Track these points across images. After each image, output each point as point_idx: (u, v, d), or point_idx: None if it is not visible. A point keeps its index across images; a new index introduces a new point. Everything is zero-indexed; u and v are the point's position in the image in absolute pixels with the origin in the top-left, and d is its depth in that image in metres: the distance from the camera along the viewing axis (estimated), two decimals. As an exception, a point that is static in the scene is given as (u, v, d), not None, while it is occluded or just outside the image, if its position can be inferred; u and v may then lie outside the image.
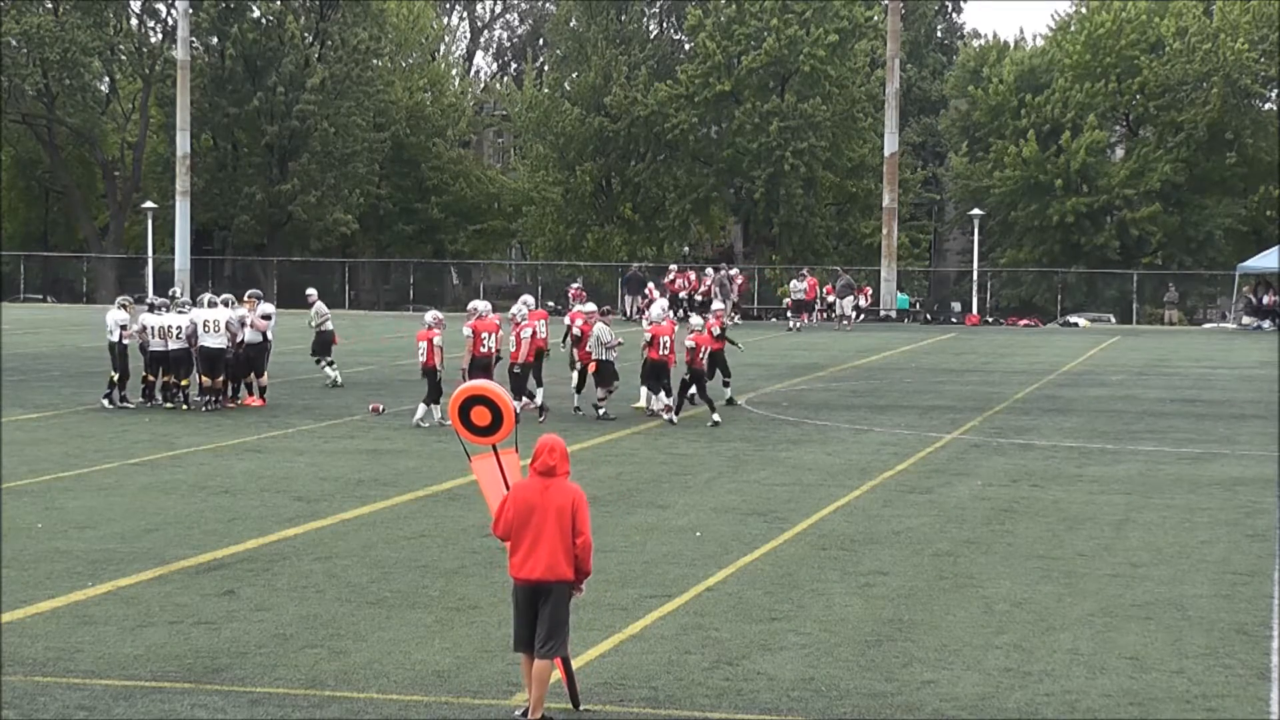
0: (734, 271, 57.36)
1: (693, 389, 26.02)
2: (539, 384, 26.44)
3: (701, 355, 25.92)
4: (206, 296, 28.16)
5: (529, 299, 27.63)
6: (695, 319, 27.19)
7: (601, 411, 25.99)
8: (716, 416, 25.59)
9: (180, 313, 27.40)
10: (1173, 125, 68.84)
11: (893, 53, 62.35)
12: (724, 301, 54.08)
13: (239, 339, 27.28)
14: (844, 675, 11.18)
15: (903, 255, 68.47)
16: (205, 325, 26.58)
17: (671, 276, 56.73)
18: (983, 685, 11.02)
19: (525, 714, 10.01)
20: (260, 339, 28.02)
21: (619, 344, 26.54)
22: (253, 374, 28.04)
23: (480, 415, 10.52)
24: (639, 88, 70.81)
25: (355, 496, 18.44)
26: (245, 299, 28.74)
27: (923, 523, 17.16)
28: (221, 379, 26.93)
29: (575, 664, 10.58)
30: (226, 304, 27.56)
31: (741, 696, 10.69)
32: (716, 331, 27.14)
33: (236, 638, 11.97)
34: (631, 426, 25.15)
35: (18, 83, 70.83)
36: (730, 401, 27.80)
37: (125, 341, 27.14)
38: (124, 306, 27.94)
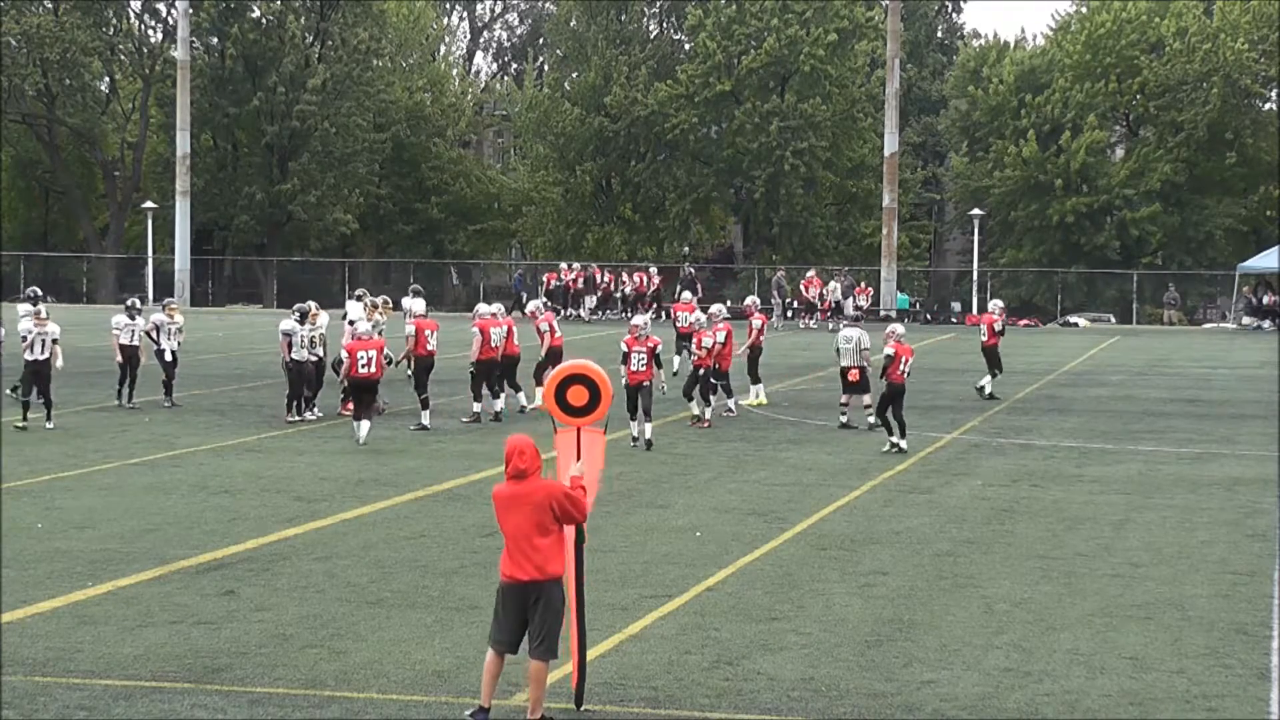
0: (810, 274, 57.28)
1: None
2: (510, 390, 26.38)
3: (902, 368, 22.78)
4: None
5: (497, 307, 27.02)
6: (897, 328, 23.57)
7: (873, 421, 24.85)
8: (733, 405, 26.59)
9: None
10: (1173, 125, 68.83)
11: (893, 53, 62.34)
12: (780, 305, 54.59)
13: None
14: (844, 675, 11.18)
15: (903, 255, 68.48)
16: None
17: (561, 275, 56.72)
18: (983, 685, 11.01)
19: (487, 708, 9.98)
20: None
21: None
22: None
23: (578, 395, 10.60)
24: (639, 88, 70.83)
25: (355, 496, 18.44)
26: (380, 305, 28.03)
27: (923, 523, 17.16)
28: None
29: (575, 664, 10.57)
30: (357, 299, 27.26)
31: (741, 696, 10.69)
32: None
33: (236, 638, 11.96)
34: (630, 427, 25.09)
35: (18, 83, 70.75)
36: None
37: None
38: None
